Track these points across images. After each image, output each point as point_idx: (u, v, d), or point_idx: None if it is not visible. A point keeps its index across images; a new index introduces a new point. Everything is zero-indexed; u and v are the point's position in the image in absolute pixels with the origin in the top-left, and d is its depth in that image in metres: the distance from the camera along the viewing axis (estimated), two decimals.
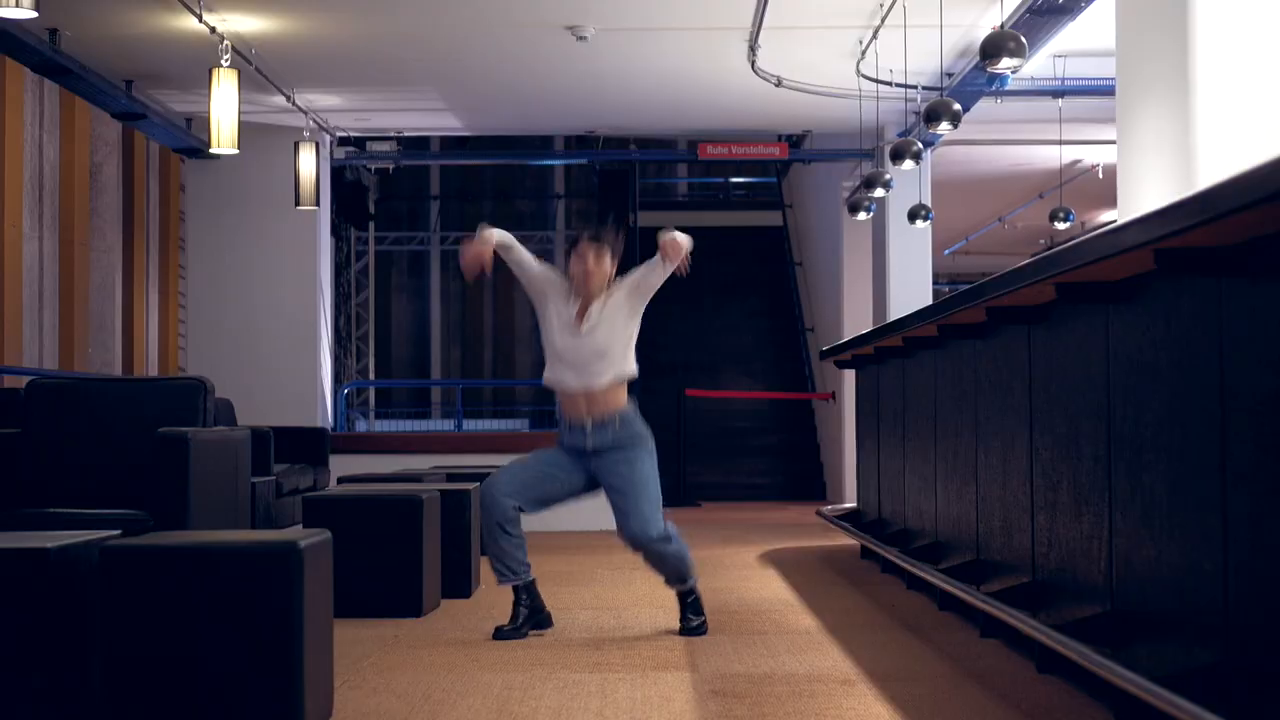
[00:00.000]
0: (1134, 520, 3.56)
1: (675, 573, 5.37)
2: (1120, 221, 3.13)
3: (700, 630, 5.28)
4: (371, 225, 20.75)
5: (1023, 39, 6.18)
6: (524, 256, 5.24)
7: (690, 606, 5.35)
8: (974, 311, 4.65)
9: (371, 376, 21.01)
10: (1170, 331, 3.29)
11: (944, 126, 7.57)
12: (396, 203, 22.63)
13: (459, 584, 6.30)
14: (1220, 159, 5.08)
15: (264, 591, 3.57)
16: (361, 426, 19.43)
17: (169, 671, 3.56)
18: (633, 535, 5.26)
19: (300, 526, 6.59)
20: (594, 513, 10.25)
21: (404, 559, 5.70)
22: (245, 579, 3.58)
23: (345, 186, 16.92)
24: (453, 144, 16.52)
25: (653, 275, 5.17)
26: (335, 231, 18.05)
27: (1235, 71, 5.20)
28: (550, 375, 5.27)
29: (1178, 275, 3.09)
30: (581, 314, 5.19)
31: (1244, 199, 2.52)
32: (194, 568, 3.60)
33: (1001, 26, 6.29)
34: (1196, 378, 3.14)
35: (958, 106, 7.59)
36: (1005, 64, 6.17)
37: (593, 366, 5.17)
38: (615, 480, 5.25)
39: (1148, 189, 5.59)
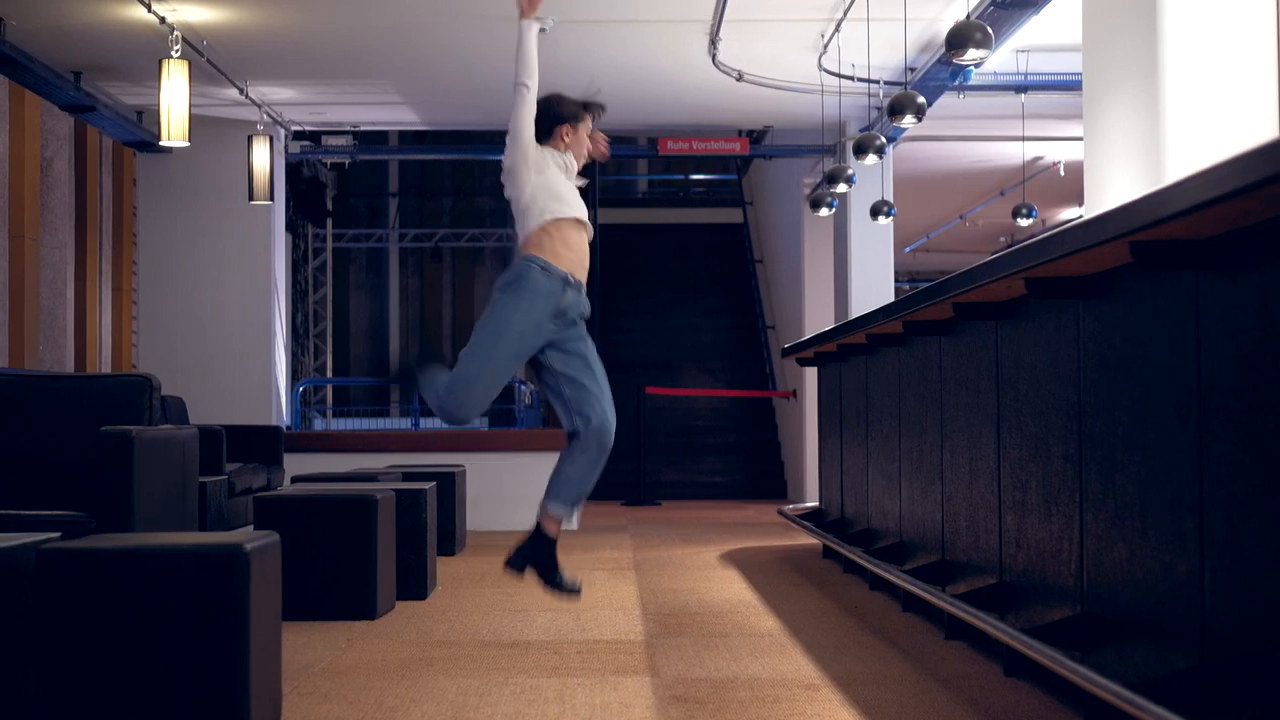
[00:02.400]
0: (1106, 521, 3.47)
1: (584, 492, 4.98)
2: (1094, 214, 3.04)
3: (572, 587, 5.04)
4: (329, 222, 20.57)
5: (989, 30, 6.10)
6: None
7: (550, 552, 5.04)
8: (940, 307, 4.56)
9: (329, 374, 20.82)
10: (1145, 327, 3.20)
11: (908, 120, 7.48)
12: (355, 199, 22.45)
13: (414, 586, 6.18)
14: (1189, 153, 5.01)
15: (208, 596, 3.44)
16: (319, 425, 19.24)
17: (109, 679, 3.43)
18: (606, 419, 4.88)
19: (252, 527, 6.45)
20: None
21: (357, 560, 5.57)
22: (188, 583, 3.45)
23: (302, 183, 16.75)
24: (410, 139, 16.38)
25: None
26: (293, 228, 17.89)
27: (1205, 65, 5.13)
28: (559, 209, 4.97)
29: (1154, 269, 2.99)
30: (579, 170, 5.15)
31: (1225, 189, 2.43)
32: (135, 571, 3.46)
33: (968, 18, 6.21)
34: (1172, 374, 3.05)
35: (922, 99, 7.50)
36: (971, 55, 6.09)
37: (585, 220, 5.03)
38: (579, 351, 4.90)
39: (1115, 184, 5.51)
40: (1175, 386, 3.03)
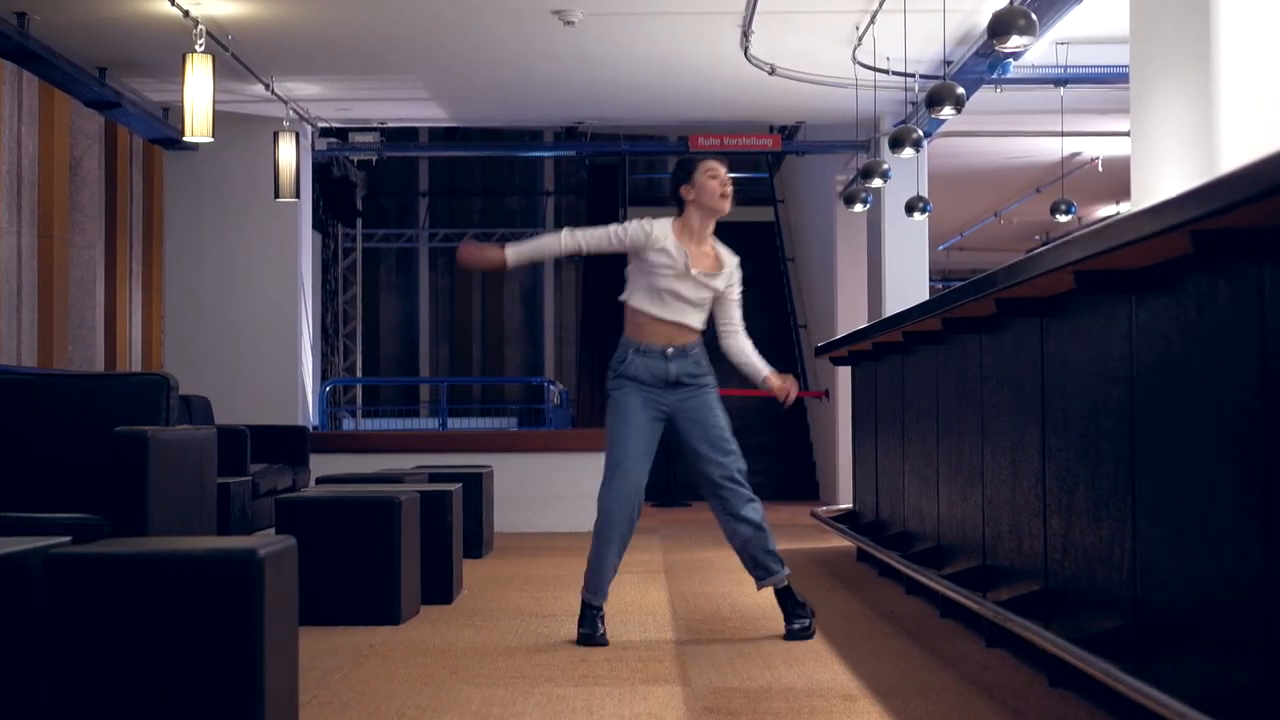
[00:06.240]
0: (1161, 526, 3.30)
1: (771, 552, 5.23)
2: (1151, 203, 2.87)
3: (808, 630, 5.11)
4: (359, 222, 20.48)
5: (1033, 16, 5.91)
6: (588, 241, 5.19)
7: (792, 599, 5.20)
8: (982, 303, 4.40)
9: (359, 374, 20.74)
10: (1204, 321, 3.02)
11: (947, 111, 7.30)
12: (385, 199, 22.37)
13: (439, 590, 6.04)
14: (1245, 142, 4.82)
15: (221, 602, 3.31)
16: (348, 425, 19.16)
17: (120, 688, 3.31)
18: (735, 468, 5.19)
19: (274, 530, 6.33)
20: (580, 513, 10.06)
21: (380, 564, 5.44)
22: (200, 589, 3.32)
23: (332, 183, 16.64)
24: (439, 136, 16.27)
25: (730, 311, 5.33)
26: (322, 228, 17.80)
27: (1261, 50, 4.93)
28: (640, 303, 5.17)
29: (1215, 260, 2.83)
30: (698, 262, 5.19)
31: None
32: (146, 577, 3.33)
33: (1011, 4, 6.02)
34: (1235, 371, 2.88)
35: (961, 90, 7.31)
36: (1014, 42, 5.91)
37: (686, 311, 5.19)
38: (694, 413, 5.17)
39: (1165, 175, 5.33)
40: (1238, 384, 2.86)
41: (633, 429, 5.11)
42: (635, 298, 5.16)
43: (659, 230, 5.14)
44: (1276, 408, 2.70)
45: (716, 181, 5.20)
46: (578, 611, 5.17)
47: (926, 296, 9.39)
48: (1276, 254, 2.68)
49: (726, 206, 5.23)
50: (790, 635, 5.07)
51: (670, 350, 5.14)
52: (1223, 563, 2.96)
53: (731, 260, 5.29)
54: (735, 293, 5.30)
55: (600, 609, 5.11)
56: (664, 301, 5.14)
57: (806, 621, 5.10)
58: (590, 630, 5.02)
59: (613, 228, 5.15)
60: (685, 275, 5.14)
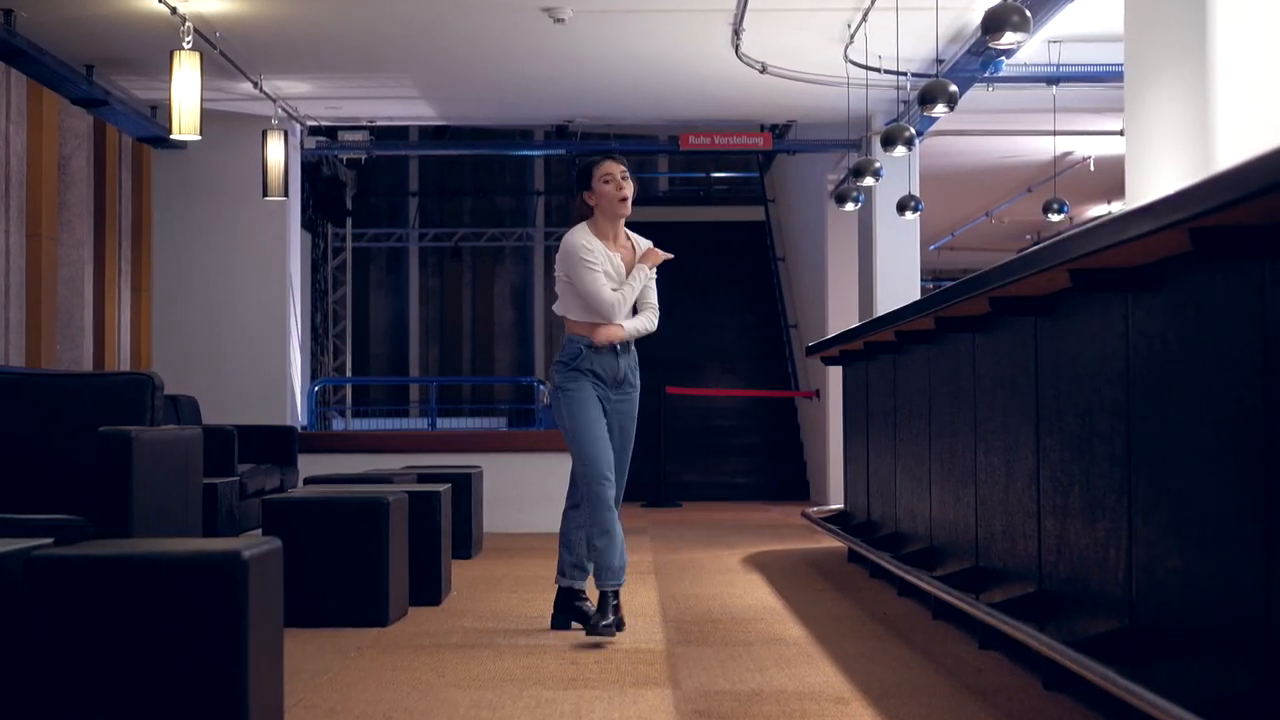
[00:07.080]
0: (1158, 528, 3.26)
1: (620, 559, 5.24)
2: (1150, 199, 2.83)
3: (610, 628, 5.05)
4: (349, 221, 20.42)
5: (1027, 12, 5.88)
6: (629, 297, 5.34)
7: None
8: (975, 302, 4.35)
9: (348, 374, 20.68)
10: (1204, 320, 2.98)
11: (939, 109, 7.27)
12: (375, 199, 22.30)
13: (428, 591, 5.99)
14: (1242, 139, 4.78)
15: (204, 605, 3.27)
16: (339, 425, 19.09)
17: (102, 692, 3.27)
18: (617, 494, 5.26)
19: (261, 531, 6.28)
20: None
21: (368, 565, 5.39)
22: (183, 592, 3.27)
23: (322, 182, 16.58)
24: (429, 135, 16.21)
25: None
26: (312, 228, 17.73)
27: (1258, 47, 4.89)
28: (583, 314, 5.25)
29: (1215, 257, 2.79)
30: (624, 259, 5.31)
31: None
32: (128, 579, 3.29)
33: (1003, 1, 5.98)
34: (1235, 370, 2.83)
35: (954, 88, 7.28)
36: (1008, 39, 5.87)
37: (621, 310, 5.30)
38: (623, 418, 5.31)
39: (1160, 173, 5.29)
40: (1238, 383, 2.82)
41: (599, 425, 5.20)
42: (576, 309, 5.25)
43: (586, 241, 5.23)
44: (1277, 408, 2.66)
45: (611, 186, 5.24)
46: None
47: (918, 296, 9.35)
48: (1277, 251, 2.64)
49: (627, 210, 5.28)
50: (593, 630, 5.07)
51: (619, 346, 5.27)
52: (1221, 565, 2.92)
53: (645, 243, 5.40)
54: (654, 276, 5.42)
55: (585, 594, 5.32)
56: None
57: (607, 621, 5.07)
58: (603, 616, 5.08)
59: (597, 274, 5.22)
60: (614, 276, 5.25)
